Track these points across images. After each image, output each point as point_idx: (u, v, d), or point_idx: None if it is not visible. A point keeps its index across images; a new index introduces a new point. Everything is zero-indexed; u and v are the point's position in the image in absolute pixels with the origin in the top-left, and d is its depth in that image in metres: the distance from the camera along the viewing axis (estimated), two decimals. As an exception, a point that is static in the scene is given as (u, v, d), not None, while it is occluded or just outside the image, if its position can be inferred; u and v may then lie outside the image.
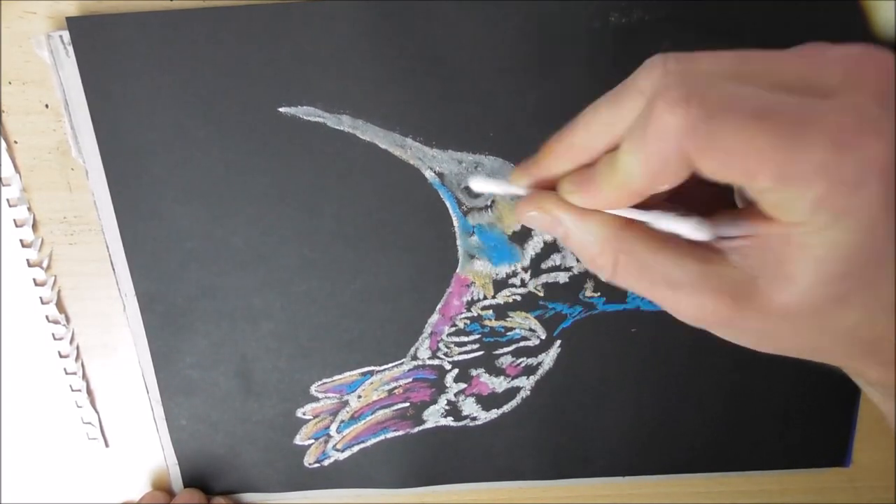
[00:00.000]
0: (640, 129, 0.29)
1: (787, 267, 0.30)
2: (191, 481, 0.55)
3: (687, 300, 0.32)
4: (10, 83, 0.45)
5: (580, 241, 0.34)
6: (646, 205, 0.32)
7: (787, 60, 0.30)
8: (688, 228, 0.31)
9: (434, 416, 0.53)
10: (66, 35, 0.43)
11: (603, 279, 0.34)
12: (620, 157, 0.30)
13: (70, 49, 0.43)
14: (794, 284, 0.30)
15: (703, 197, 0.33)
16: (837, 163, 0.27)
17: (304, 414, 0.53)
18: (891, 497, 0.57)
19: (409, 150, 0.46)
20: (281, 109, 0.45)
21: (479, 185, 0.37)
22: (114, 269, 0.49)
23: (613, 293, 0.49)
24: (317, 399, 0.52)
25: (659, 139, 0.29)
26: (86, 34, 0.43)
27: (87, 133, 0.45)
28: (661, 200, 0.33)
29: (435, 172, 0.46)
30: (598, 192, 0.32)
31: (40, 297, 0.50)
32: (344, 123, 0.45)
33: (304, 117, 0.45)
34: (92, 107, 0.45)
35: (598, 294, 0.49)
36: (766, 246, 0.30)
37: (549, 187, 0.35)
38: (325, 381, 0.52)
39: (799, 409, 0.53)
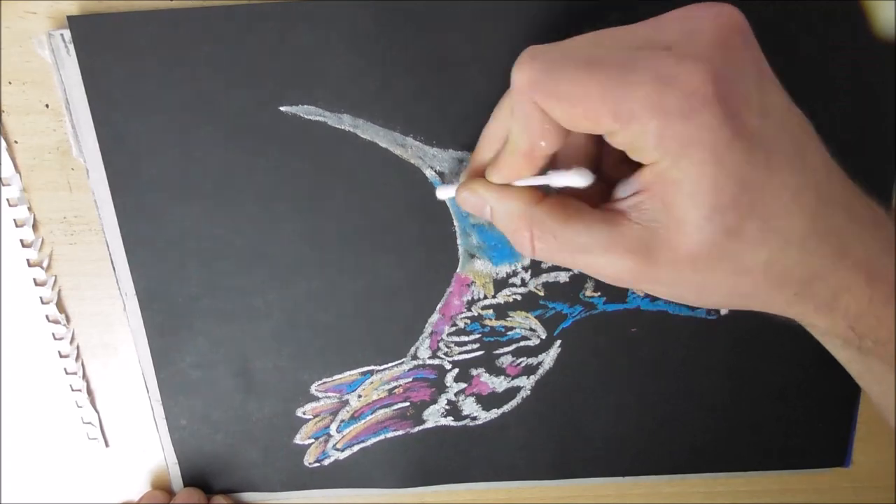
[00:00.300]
0: (508, 95, 0.36)
1: (674, 211, 0.32)
2: (191, 480, 0.55)
3: (602, 262, 0.35)
4: (10, 83, 0.45)
5: (501, 218, 0.39)
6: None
7: (637, 28, 0.34)
8: (573, 178, 0.36)
9: (434, 416, 0.53)
10: (67, 34, 0.43)
11: (526, 256, 0.40)
12: (509, 129, 0.36)
13: (71, 48, 0.43)
14: (684, 225, 0.32)
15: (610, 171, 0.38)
16: (661, 97, 0.30)
17: (304, 413, 0.53)
18: (891, 497, 0.57)
19: (410, 150, 0.46)
20: (282, 108, 0.45)
21: (443, 192, 0.44)
22: (114, 269, 0.49)
23: (614, 293, 0.49)
24: (317, 398, 0.52)
25: (517, 98, 0.34)
26: (87, 33, 0.43)
27: (88, 132, 0.45)
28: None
29: (435, 171, 0.46)
30: (503, 164, 0.38)
31: (40, 297, 0.50)
32: (344, 122, 0.45)
33: (305, 116, 0.45)
34: (93, 106, 0.44)
35: (599, 294, 0.49)
36: (654, 196, 0.33)
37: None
38: (325, 380, 0.52)
39: (799, 410, 0.53)
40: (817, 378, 0.52)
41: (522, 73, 0.33)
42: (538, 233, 0.37)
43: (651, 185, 0.33)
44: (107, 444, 0.55)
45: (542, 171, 0.37)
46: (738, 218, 0.32)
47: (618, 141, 0.33)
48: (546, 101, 0.33)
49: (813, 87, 0.45)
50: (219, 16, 0.43)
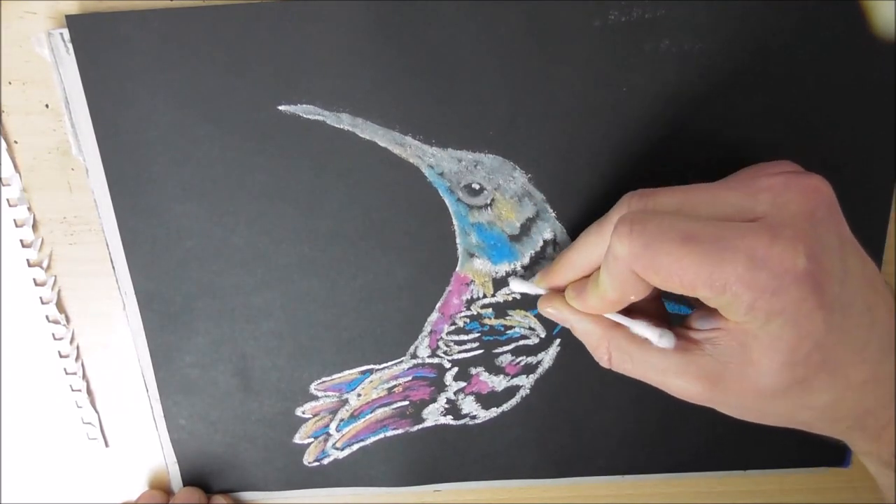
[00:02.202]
0: (606, 255, 0.38)
1: (749, 355, 0.36)
2: (190, 480, 0.55)
3: (675, 383, 0.39)
4: (10, 83, 0.45)
5: (581, 334, 0.43)
6: (637, 307, 0.41)
7: (725, 191, 0.37)
8: (654, 337, 0.39)
9: (433, 415, 0.53)
10: (66, 33, 0.43)
11: (604, 366, 0.43)
12: (599, 275, 0.39)
13: (70, 47, 0.43)
14: (757, 369, 0.36)
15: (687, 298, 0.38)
16: (754, 275, 0.33)
17: (303, 412, 0.53)
18: (891, 497, 0.57)
19: (409, 149, 0.46)
20: (280, 107, 0.45)
21: (515, 285, 0.48)
22: (114, 268, 0.49)
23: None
24: (316, 397, 0.52)
25: (615, 263, 0.37)
26: (85, 32, 0.43)
27: (88, 131, 0.45)
28: (652, 300, 0.43)
29: (435, 171, 0.46)
30: (587, 301, 0.41)
31: (40, 297, 0.50)
32: (343, 121, 0.45)
33: (304, 115, 0.45)
34: (91, 105, 0.45)
35: (598, 293, 0.49)
36: (731, 337, 0.37)
37: (562, 289, 0.44)
38: (324, 379, 0.52)
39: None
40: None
41: (623, 246, 0.36)
42: (616, 353, 0.42)
43: (731, 330, 0.36)
44: (107, 444, 0.55)
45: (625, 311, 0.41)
46: (809, 371, 0.35)
47: (710, 301, 0.36)
48: (645, 272, 0.36)
49: (813, 87, 0.45)
50: (218, 15, 0.43)
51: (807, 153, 0.46)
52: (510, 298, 0.49)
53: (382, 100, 0.45)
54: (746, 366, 0.36)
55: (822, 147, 0.46)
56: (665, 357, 0.39)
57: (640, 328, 0.40)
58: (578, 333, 0.43)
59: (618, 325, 0.41)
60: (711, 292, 0.34)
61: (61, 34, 0.43)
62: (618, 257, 0.36)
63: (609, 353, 0.42)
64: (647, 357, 0.40)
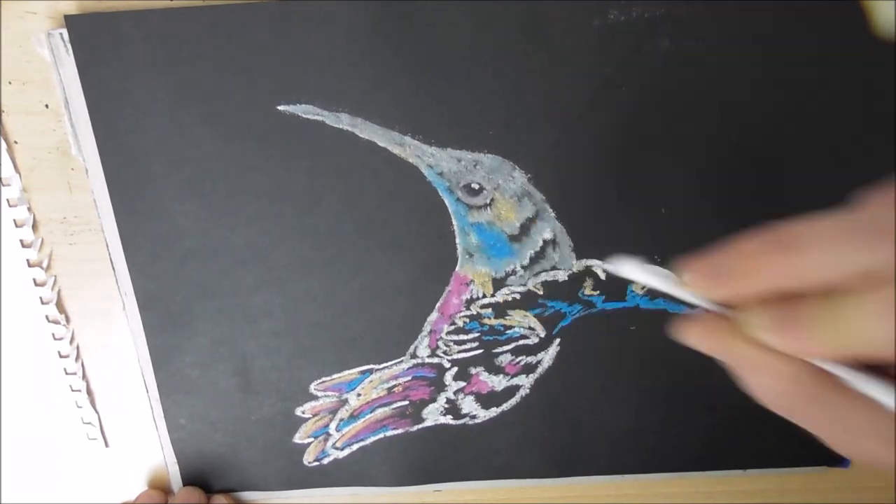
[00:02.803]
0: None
1: None
2: (190, 480, 0.55)
3: (866, 448, 0.29)
4: (10, 83, 0.45)
5: (763, 382, 0.30)
6: None
7: None
8: (882, 394, 0.28)
9: (433, 415, 0.53)
10: (66, 33, 0.43)
11: (775, 411, 0.31)
12: (858, 314, 0.26)
13: (70, 47, 0.43)
14: None
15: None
16: None
17: (303, 412, 0.53)
18: (891, 497, 0.57)
19: (408, 149, 0.46)
20: (280, 107, 0.45)
21: (631, 271, 0.33)
22: (113, 268, 0.49)
23: (612, 291, 0.49)
24: (316, 397, 0.52)
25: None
26: (85, 32, 0.43)
27: (87, 131, 0.45)
28: None
29: (434, 170, 0.46)
30: (810, 342, 0.28)
31: (40, 297, 0.50)
32: (343, 121, 0.45)
33: (303, 115, 0.45)
34: (90, 105, 0.45)
35: (598, 292, 0.49)
36: None
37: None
38: (324, 379, 0.52)
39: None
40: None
41: None
42: (804, 400, 0.30)
43: None
44: (106, 444, 0.55)
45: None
46: None
47: None
48: None
49: (813, 87, 0.45)
50: (216, 15, 0.43)
51: (807, 153, 0.46)
52: (510, 298, 0.49)
53: (382, 99, 0.45)
54: None
55: (822, 147, 0.46)
56: (873, 421, 0.29)
57: (861, 381, 0.29)
58: (756, 379, 0.31)
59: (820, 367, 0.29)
60: None
61: (61, 34, 0.43)
62: None
63: (805, 400, 0.29)
64: (851, 414, 0.29)
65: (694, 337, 0.32)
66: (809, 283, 0.27)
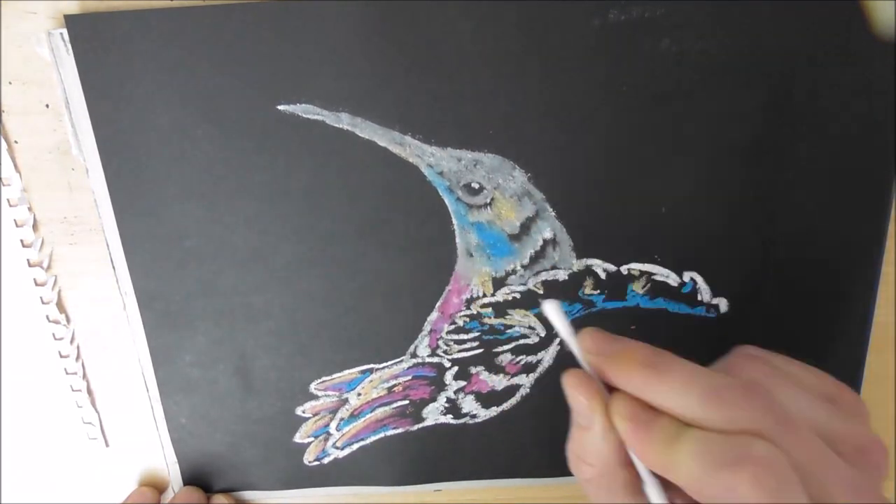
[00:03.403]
0: (716, 469, 0.30)
1: None
2: (190, 479, 0.55)
3: None
4: (10, 83, 0.45)
5: (588, 448, 0.36)
6: None
7: None
8: (655, 495, 0.34)
9: (433, 414, 0.53)
10: (66, 33, 0.43)
11: (575, 477, 0.38)
12: (686, 454, 0.31)
13: (70, 47, 0.43)
14: None
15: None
16: None
17: (303, 412, 0.53)
18: (891, 497, 0.57)
19: (408, 148, 0.46)
20: (280, 107, 0.45)
21: (550, 311, 0.37)
22: (114, 268, 0.49)
23: (613, 290, 0.49)
24: (316, 397, 0.52)
25: (717, 483, 0.30)
26: (84, 32, 0.43)
27: (87, 130, 0.45)
28: None
29: (434, 170, 0.46)
30: (644, 446, 0.33)
31: (41, 297, 0.50)
32: (343, 121, 0.45)
33: (303, 115, 0.45)
34: (91, 104, 0.45)
35: (598, 291, 0.49)
36: None
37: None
38: (324, 378, 0.52)
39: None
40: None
41: (745, 490, 0.30)
42: (601, 484, 0.36)
43: None
44: (107, 444, 0.55)
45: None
46: None
47: None
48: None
49: (813, 87, 0.45)
50: (217, 15, 0.43)
51: (806, 153, 0.46)
52: (510, 297, 0.49)
53: (382, 99, 0.45)
54: None
55: (822, 147, 0.46)
56: None
57: (655, 491, 0.34)
58: (584, 443, 0.36)
59: (629, 463, 0.35)
60: None
61: (61, 34, 0.43)
62: (739, 499, 0.30)
63: (598, 479, 0.36)
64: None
65: (571, 389, 0.36)
66: (665, 408, 0.33)
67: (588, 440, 0.35)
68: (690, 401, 0.32)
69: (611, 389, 0.35)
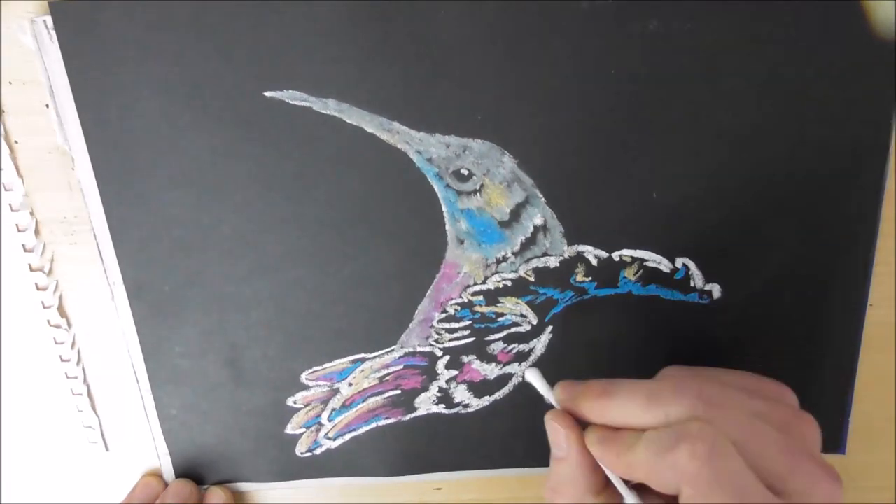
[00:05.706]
0: (662, 454, 0.35)
1: None
2: (182, 472, 0.55)
3: None
4: (10, 83, 0.46)
5: (563, 479, 0.41)
6: None
7: None
8: (629, 497, 0.39)
9: (426, 404, 0.52)
10: (49, 20, 0.43)
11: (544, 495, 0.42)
12: (641, 452, 0.37)
13: (54, 34, 0.43)
14: None
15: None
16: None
17: (294, 402, 0.52)
18: (891, 497, 0.57)
19: (396, 134, 0.45)
20: (266, 94, 0.45)
21: (531, 376, 0.44)
22: (101, 258, 0.49)
23: (604, 278, 0.49)
24: (307, 387, 0.52)
25: (671, 473, 0.35)
26: (68, 19, 0.43)
27: (73, 119, 0.45)
28: None
29: (423, 156, 0.46)
30: (611, 457, 0.39)
31: (42, 302, 0.50)
32: (330, 107, 0.45)
33: (290, 101, 0.45)
34: (76, 93, 0.45)
35: (589, 279, 0.49)
36: None
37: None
38: (315, 368, 0.51)
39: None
40: (810, 363, 0.51)
41: (693, 470, 0.35)
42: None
43: None
44: (107, 448, 0.55)
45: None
46: None
47: None
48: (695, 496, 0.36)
49: (813, 87, 0.45)
50: (202, 2, 0.43)
51: (805, 153, 0.46)
52: (501, 285, 0.49)
53: (369, 85, 0.44)
54: None
55: (822, 147, 0.46)
56: None
57: (627, 494, 0.40)
58: (560, 470, 0.41)
59: (606, 487, 0.40)
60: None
61: (44, 21, 0.43)
62: (683, 473, 0.35)
63: (566, 494, 0.41)
64: None
65: (550, 425, 0.42)
66: (621, 424, 0.39)
67: (564, 471, 0.40)
68: (636, 409, 0.38)
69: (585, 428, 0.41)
